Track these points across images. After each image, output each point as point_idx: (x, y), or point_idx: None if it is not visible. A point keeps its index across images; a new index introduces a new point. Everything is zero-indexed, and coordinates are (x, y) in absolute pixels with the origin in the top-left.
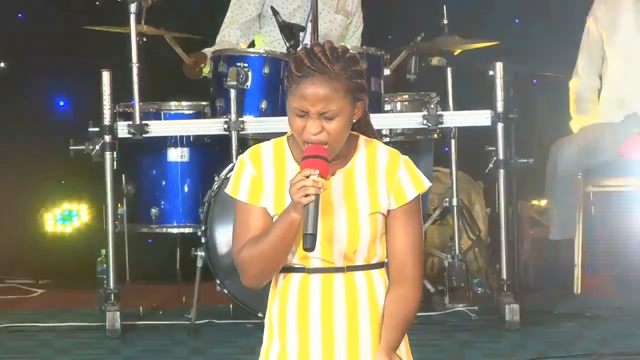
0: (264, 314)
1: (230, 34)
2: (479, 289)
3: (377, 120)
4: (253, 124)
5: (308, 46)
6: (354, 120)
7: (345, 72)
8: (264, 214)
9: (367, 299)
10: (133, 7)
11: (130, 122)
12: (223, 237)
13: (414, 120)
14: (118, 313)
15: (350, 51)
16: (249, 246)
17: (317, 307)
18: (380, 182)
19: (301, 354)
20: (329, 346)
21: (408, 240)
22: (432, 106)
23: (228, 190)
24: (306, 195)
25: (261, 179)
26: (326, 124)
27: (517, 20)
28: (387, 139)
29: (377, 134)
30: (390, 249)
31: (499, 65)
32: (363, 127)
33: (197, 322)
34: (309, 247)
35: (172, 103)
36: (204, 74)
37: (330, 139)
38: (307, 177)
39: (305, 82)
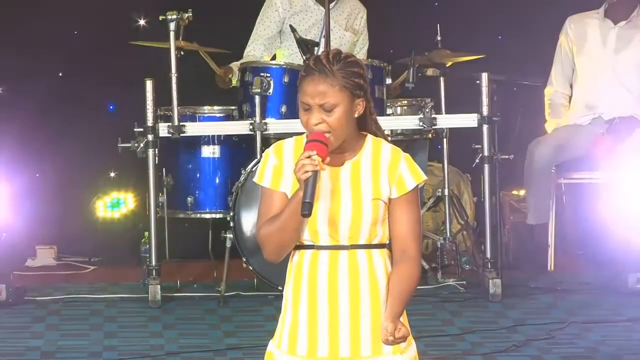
0: (283, 287)
1: (256, 49)
2: (467, 266)
3: (380, 122)
4: (274, 125)
5: (317, 53)
6: (356, 116)
7: (342, 71)
8: (283, 198)
9: (367, 274)
10: (172, 26)
11: (170, 124)
12: (248, 221)
13: (411, 122)
14: (159, 286)
15: (354, 57)
16: (268, 223)
17: (324, 280)
18: (382, 174)
19: (310, 321)
20: (334, 314)
21: (409, 225)
22: (427, 110)
23: (255, 179)
24: (305, 172)
25: (282, 168)
26: (326, 116)
27: (500, 37)
28: (389, 138)
29: (384, 134)
30: (393, 232)
31: (484, 75)
32: (371, 127)
33: (226, 294)
34: (306, 213)
35: (205, 107)
36: (232, 84)
37: (331, 129)
38: (308, 157)
39: (307, 79)
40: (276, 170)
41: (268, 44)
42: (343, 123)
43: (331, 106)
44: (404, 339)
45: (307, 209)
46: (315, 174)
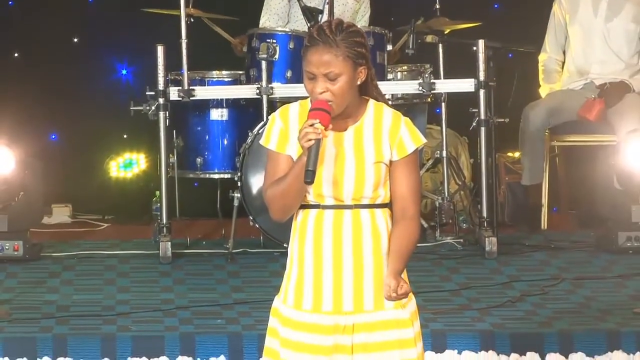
0: (289, 245)
1: (270, 20)
2: (464, 224)
3: (381, 87)
4: (280, 89)
5: (321, 23)
6: (358, 83)
7: (345, 41)
8: (288, 161)
9: (370, 232)
10: None
11: (180, 87)
12: (255, 181)
13: (411, 87)
14: (169, 243)
15: (356, 26)
16: (274, 185)
17: (329, 237)
18: (384, 138)
19: (315, 276)
20: (338, 270)
21: (409, 185)
22: (427, 75)
23: (261, 141)
24: (308, 140)
25: (287, 131)
26: (330, 84)
27: (496, 5)
28: (390, 102)
29: (385, 99)
30: (394, 192)
31: (480, 42)
32: (373, 93)
33: (233, 250)
34: (309, 181)
35: (214, 72)
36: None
37: (334, 97)
38: (311, 125)
39: (311, 50)
40: (282, 134)
41: (281, 13)
42: (346, 91)
43: (335, 75)
44: (405, 295)
45: (309, 176)
46: (318, 141)
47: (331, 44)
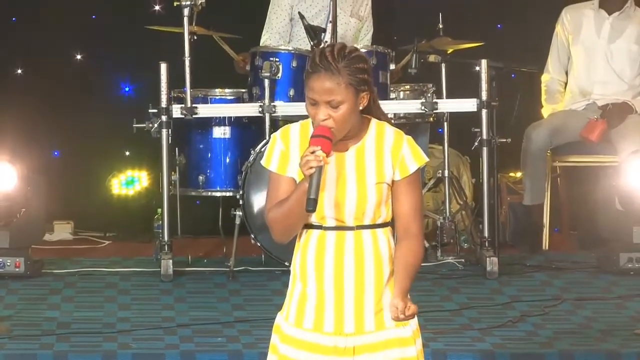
0: (290, 263)
1: (271, 39)
2: (465, 244)
3: (384, 106)
4: (283, 107)
5: (322, 47)
6: (361, 108)
7: (348, 68)
8: (289, 182)
9: (372, 253)
10: (186, 11)
11: (183, 105)
12: (257, 200)
13: (414, 106)
14: (171, 261)
15: (358, 51)
16: (275, 208)
17: (331, 257)
18: (386, 157)
19: (318, 294)
20: (339, 291)
21: (411, 205)
22: (429, 95)
23: (262, 162)
24: (310, 167)
25: (288, 152)
26: (332, 111)
27: (499, 26)
28: (392, 121)
29: (387, 117)
30: (397, 212)
31: (483, 62)
32: (375, 112)
33: (235, 269)
34: (311, 209)
35: (217, 90)
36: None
37: (336, 123)
38: (312, 152)
39: (314, 77)
40: (283, 155)
41: (283, 32)
42: (348, 117)
43: (338, 103)
44: (413, 316)
45: (311, 205)
46: (320, 169)
47: (333, 72)
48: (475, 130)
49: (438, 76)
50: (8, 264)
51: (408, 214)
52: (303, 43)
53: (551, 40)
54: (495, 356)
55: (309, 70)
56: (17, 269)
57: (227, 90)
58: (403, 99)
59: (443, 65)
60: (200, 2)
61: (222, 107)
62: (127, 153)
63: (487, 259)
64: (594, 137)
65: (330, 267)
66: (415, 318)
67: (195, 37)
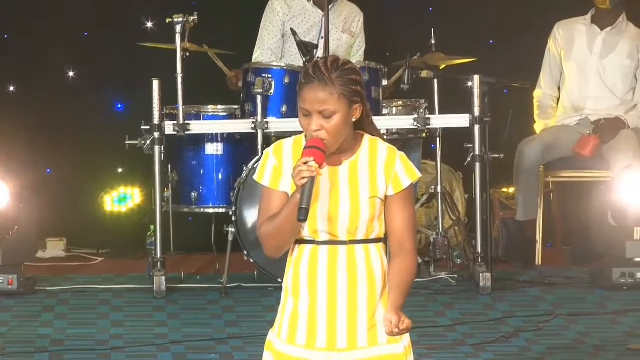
0: (283, 279)
1: (263, 55)
2: (458, 260)
3: (376, 122)
4: (275, 124)
5: (316, 59)
6: (353, 120)
7: (341, 79)
8: (282, 197)
9: (364, 268)
10: (178, 28)
11: (175, 122)
12: (250, 216)
13: (406, 122)
14: (163, 277)
15: (352, 64)
16: (267, 222)
17: (323, 272)
18: (379, 172)
19: (310, 310)
20: (332, 307)
21: (404, 220)
22: (422, 110)
23: (254, 176)
24: (302, 178)
25: (281, 168)
26: (325, 122)
27: (491, 41)
28: (385, 137)
29: (380, 133)
30: (390, 227)
31: (476, 78)
32: (368, 128)
33: (228, 285)
34: (302, 219)
35: (209, 106)
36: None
37: (329, 135)
38: (305, 163)
39: (306, 87)
40: (275, 170)
41: (275, 48)
42: (341, 128)
43: (330, 113)
44: (407, 330)
45: (303, 214)
46: (312, 179)
47: (326, 82)
48: (468, 145)
49: (430, 92)
50: (1, 281)
51: (402, 229)
52: (295, 59)
53: (543, 56)
54: None
55: (302, 82)
56: (9, 287)
57: (219, 107)
58: (395, 114)
59: (435, 81)
60: (192, 18)
61: (214, 124)
62: (120, 170)
63: (480, 274)
64: (586, 152)
65: (323, 281)
66: (408, 334)
67: (188, 54)
